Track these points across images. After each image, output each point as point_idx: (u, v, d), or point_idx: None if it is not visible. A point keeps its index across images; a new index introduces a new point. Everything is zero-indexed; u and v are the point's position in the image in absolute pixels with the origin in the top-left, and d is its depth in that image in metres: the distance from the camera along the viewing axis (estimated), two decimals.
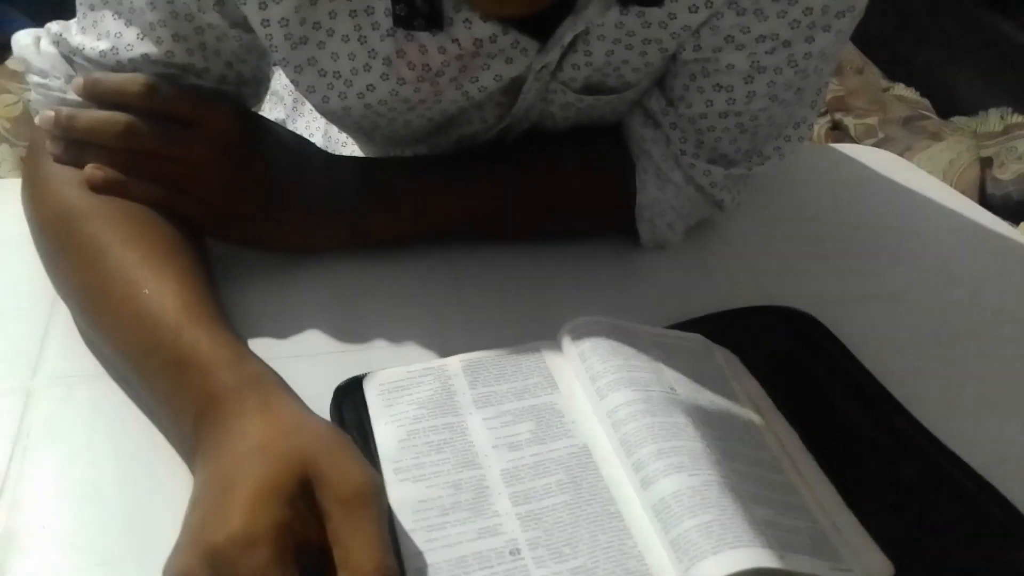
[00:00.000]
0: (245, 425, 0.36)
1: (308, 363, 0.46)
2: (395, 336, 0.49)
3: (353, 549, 0.31)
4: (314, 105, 0.52)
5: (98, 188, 0.46)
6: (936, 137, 1.31)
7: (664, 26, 0.48)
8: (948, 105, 1.47)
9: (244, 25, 0.46)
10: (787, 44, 0.48)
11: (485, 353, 0.46)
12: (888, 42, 1.60)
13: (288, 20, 0.45)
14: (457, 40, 0.46)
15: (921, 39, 1.61)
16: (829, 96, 1.42)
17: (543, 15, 0.44)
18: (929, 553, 0.39)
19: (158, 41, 0.46)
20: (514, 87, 0.52)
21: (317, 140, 0.69)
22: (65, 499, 0.39)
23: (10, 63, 1.18)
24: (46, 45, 0.48)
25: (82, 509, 0.38)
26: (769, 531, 0.37)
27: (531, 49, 0.48)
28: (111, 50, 0.46)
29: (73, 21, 0.48)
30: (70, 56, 0.48)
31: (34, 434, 0.41)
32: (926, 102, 1.48)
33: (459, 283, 0.54)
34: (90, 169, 0.46)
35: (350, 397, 0.43)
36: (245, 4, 0.44)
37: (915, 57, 1.60)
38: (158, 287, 0.42)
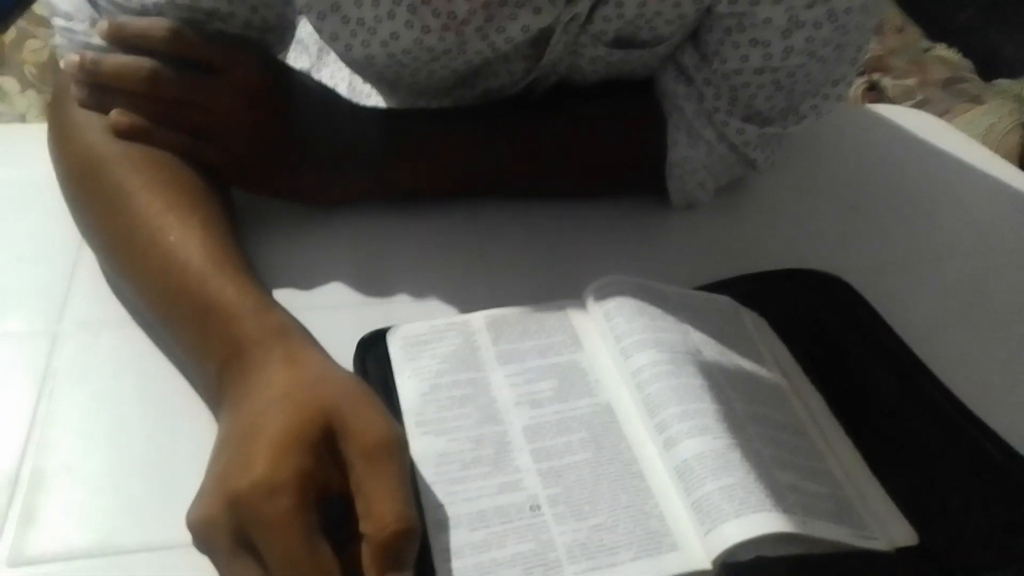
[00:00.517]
0: (270, 375, 0.36)
1: (331, 315, 0.45)
2: (418, 291, 0.49)
3: (375, 500, 0.32)
4: (337, 54, 0.51)
5: (123, 134, 0.45)
6: (977, 100, 1.27)
7: None
8: (991, 67, 1.42)
9: None
10: None
11: (509, 310, 0.45)
12: (930, 0, 1.55)
13: None
14: None
15: None
16: (866, 55, 1.37)
17: None
18: (955, 523, 0.38)
19: None
20: (542, 39, 0.50)
21: (341, 90, 0.67)
22: (90, 443, 0.39)
23: (36, 7, 1.18)
24: None
25: (107, 453, 0.39)
26: (792, 496, 0.36)
27: None
28: None
29: None
30: None
31: (60, 377, 0.42)
32: (968, 64, 1.43)
33: (484, 239, 0.53)
34: (115, 115, 0.46)
35: (373, 350, 0.43)
36: None
37: (957, 16, 1.54)
38: (183, 234, 0.41)
